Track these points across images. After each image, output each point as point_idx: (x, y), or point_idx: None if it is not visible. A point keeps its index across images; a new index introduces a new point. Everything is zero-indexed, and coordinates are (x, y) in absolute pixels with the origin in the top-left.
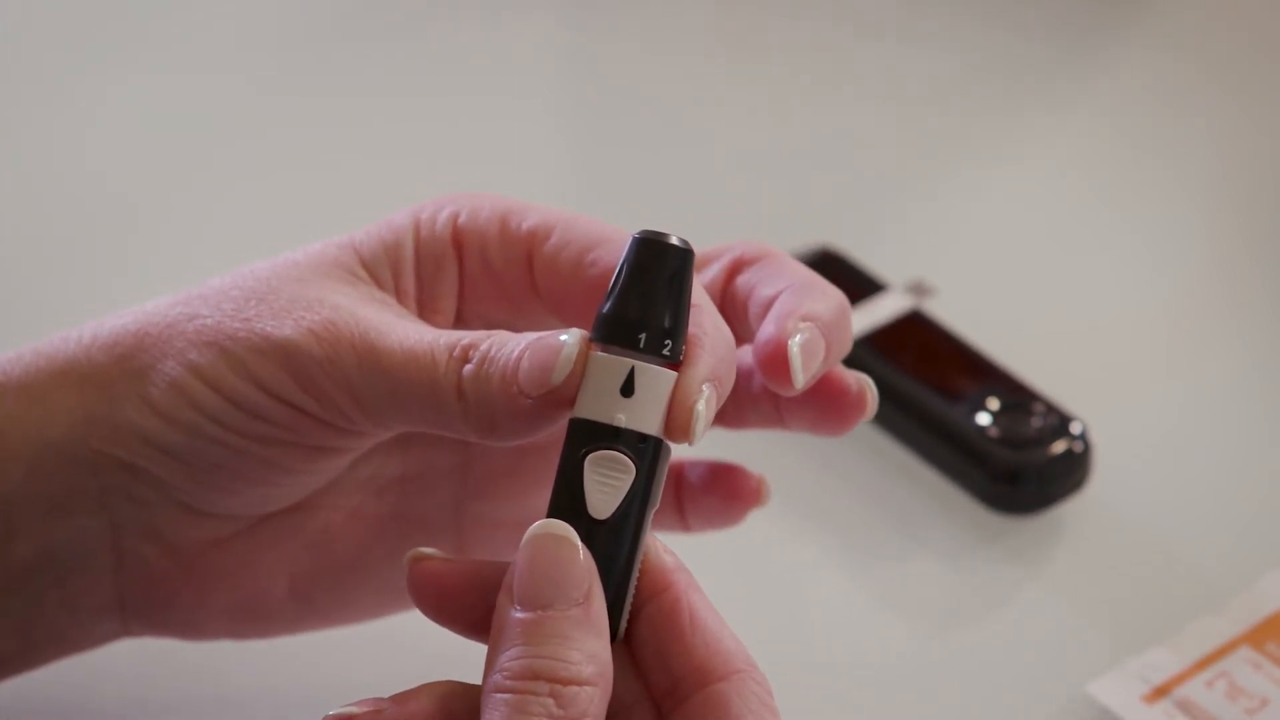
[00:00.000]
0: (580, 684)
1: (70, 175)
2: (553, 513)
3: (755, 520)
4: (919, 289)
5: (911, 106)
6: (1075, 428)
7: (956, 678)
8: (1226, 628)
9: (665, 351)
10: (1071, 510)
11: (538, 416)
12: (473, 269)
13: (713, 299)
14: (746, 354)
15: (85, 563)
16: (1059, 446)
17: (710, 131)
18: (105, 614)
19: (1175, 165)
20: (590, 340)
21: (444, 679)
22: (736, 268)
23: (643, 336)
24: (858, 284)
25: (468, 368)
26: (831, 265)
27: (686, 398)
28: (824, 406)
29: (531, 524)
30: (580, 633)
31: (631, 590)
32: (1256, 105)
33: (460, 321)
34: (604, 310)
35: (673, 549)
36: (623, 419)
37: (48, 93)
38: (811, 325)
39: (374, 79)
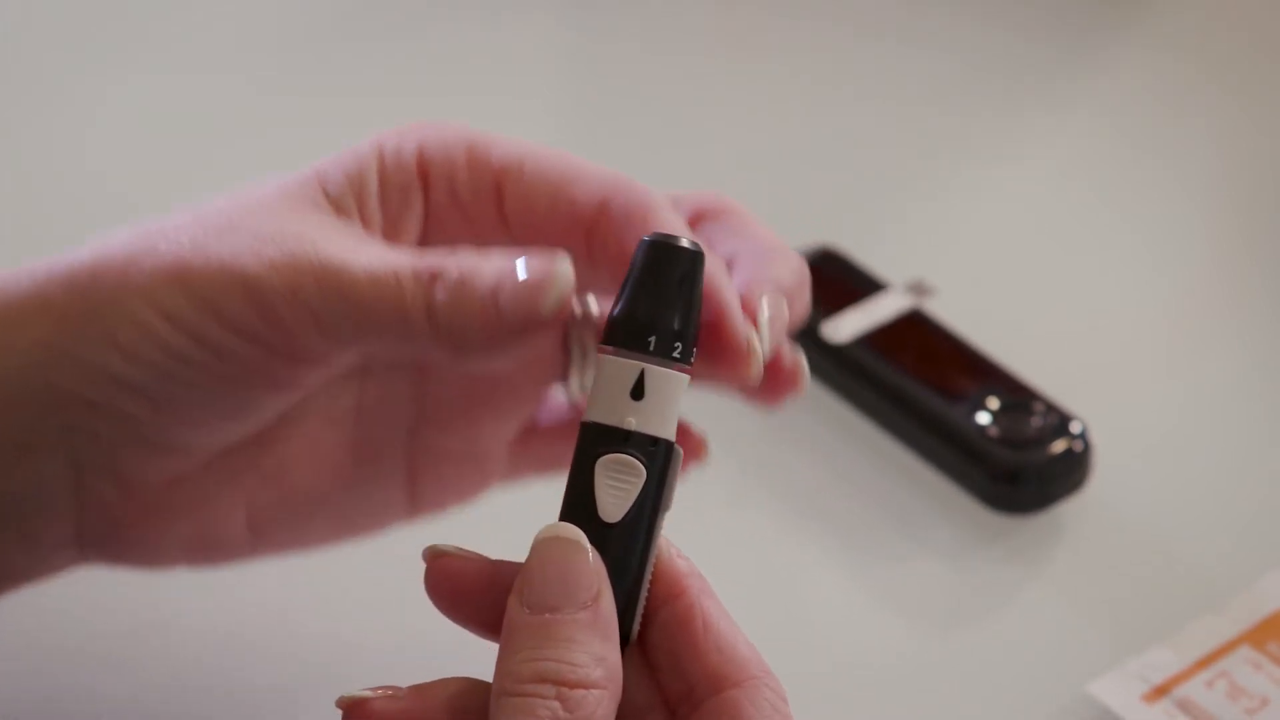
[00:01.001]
0: (587, 687)
1: (70, 175)
2: (564, 516)
3: (756, 520)
4: (919, 289)
5: (911, 106)
6: (1075, 427)
7: (956, 678)
8: (1227, 627)
9: (675, 354)
10: (1071, 510)
11: (515, 339)
12: (439, 200)
13: None
14: None
15: (45, 501)
16: (1059, 446)
17: (710, 131)
18: (63, 548)
19: (1175, 165)
20: (600, 344)
21: (459, 675)
22: (696, 219)
23: (653, 339)
24: (858, 283)
25: (439, 290)
26: (831, 265)
27: (729, 331)
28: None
29: (482, 457)
30: (587, 636)
31: (644, 594)
32: (1256, 105)
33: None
34: (614, 312)
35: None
36: (633, 422)
37: (48, 93)
38: (776, 294)
39: (374, 79)
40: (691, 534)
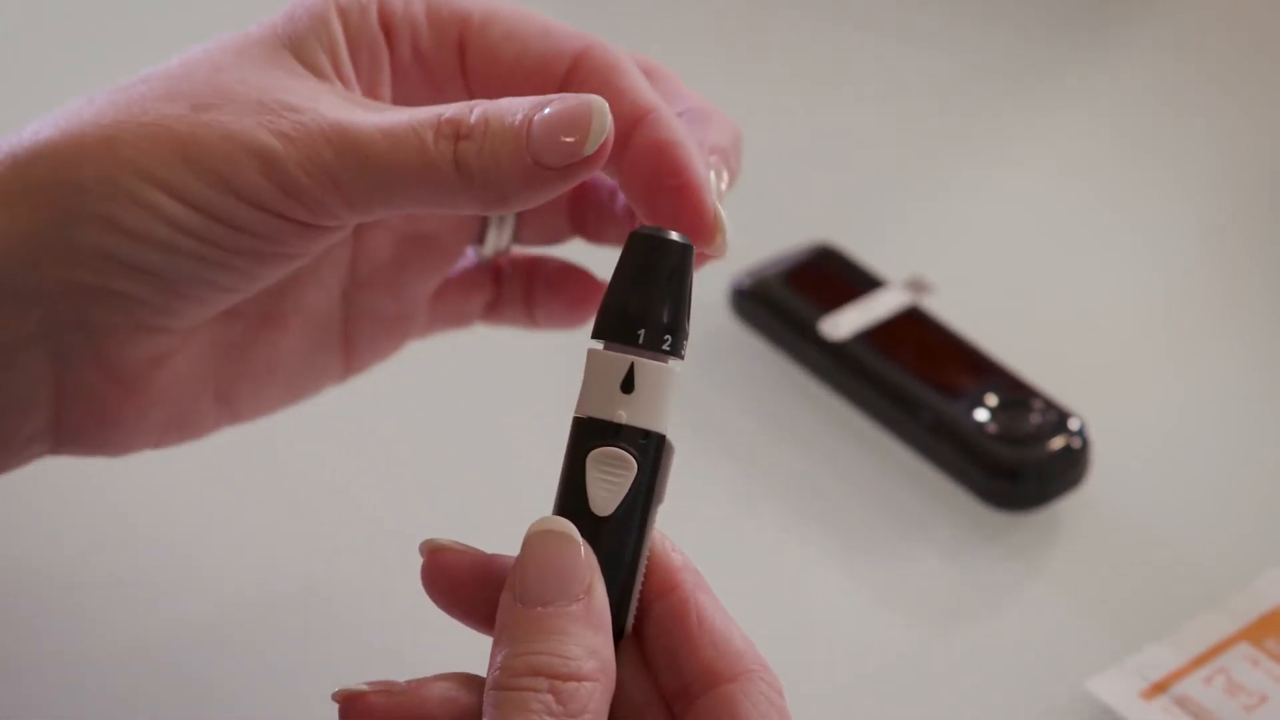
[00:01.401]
0: (580, 679)
1: None
2: (556, 510)
3: (755, 518)
4: (918, 286)
5: (911, 106)
6: (1074, 424)
7: (956, 675)
8: (1226, 624)
9: (665, 347)
10: (1070, 507)
11: (556, 182)
12: (403, 58)
13: None
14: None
15: (24, 397)
16: (1057, 443)
17: None
18: (37, 441)
19: (1175, 165)
20: (590, 337)
21: (454, 670)
22: None
23: (642, 333)
24: (857, 281)
25: (465, 142)
26: (830, 262)
27: (702, 204)
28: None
29: (405, 315)
30: (580, 628)
31: (638, 587)
32: (1256, 105)
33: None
34: (603, 306)
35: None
36: (624, 415)
37: (48, 93)
38: (717, 160)
39: None
40: (691, 532)
